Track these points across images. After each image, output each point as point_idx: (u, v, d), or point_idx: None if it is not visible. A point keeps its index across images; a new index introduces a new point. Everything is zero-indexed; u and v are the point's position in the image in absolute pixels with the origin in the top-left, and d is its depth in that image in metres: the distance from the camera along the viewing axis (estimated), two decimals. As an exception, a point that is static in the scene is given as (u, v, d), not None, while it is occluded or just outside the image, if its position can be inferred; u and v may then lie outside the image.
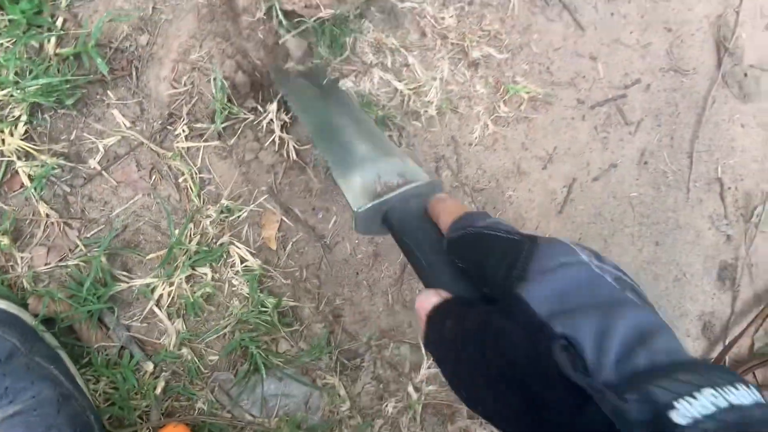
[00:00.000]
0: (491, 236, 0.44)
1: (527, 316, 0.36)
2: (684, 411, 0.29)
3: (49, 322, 0.69)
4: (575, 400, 0.32)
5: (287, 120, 0.77)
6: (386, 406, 0.81)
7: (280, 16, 0.74)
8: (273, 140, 0.76)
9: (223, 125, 0.74)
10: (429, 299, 0.45)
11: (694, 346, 0.93)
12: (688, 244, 0.93)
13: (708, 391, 0.29)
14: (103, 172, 0.73)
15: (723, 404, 0.29)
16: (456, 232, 0.47)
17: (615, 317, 0.34)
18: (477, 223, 0.46)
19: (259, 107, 0.76)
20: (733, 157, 0.95)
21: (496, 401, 0.38)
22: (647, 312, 0.36)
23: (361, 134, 0.69)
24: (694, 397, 0.29)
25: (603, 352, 0.33)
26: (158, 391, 0.72)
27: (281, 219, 0.79)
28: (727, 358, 0.89)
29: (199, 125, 0.74)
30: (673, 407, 0.29)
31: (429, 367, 0.83)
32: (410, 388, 0.82)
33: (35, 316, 0.68)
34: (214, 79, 0.72)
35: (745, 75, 0.95)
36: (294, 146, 0.78)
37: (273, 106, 0.75)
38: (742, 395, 0.30)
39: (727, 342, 0.92)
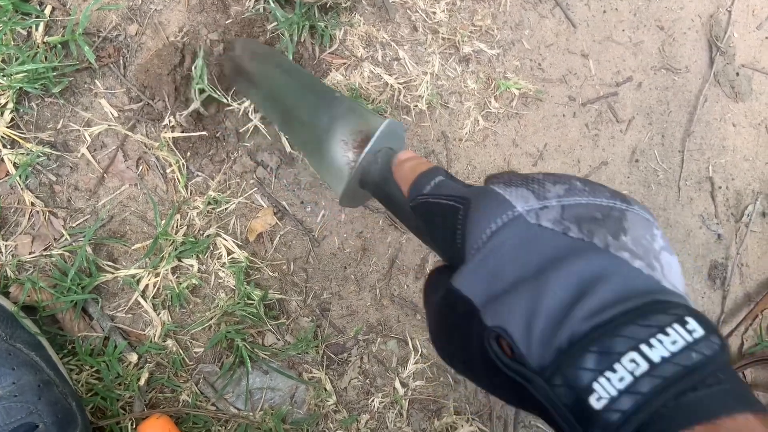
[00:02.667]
0: (434, 204, 0.42)
1: (465, 306, 0.34)
2: (600, 392, 0.27)
3: (31, 310, 0.68)
4: (518, 384, 0.31)
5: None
6: (373, 401, 0.80)
7: (271, 3, 0.74)
8: (255, 129, 0.75)
9: (202, 114, 0.73)
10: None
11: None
12: (678, 242, 0.93)
13: (627, 358, 0.27)
14: (90, 161, 0.72)
15: (642, 369, 0.27)
16: (411, 202, 0.45)
17: (546, 286, 0.31)
18: (423, 189, 0.44)
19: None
20: (725, 157, 0.95)
21: (474, 380, 0.37)
22: (590, 257, 0.31)
23: (312, 103, 0.63)
24: (614, 370, 0.27)
25: (530, 335, 0.30)
26: (142, 382, 0.71)
27: (273, 214, 0.78)
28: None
29: (185, 115, 0.74)
30: (591, 390, 0.27)
31: (416, 363, 0.82)
32: (397, 383, 0.81)
33: (15, 304, 0.67)
34: (197, 64, 0.71)
35: (737, 74, 0.95)
36: (287, 139, 0.77)
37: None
38: (671, 340, 0.27)
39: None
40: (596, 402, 0.27)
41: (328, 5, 0.77)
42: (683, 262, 0.93)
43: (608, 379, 0.27)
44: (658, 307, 0.28)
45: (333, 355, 0.80)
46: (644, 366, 0.27)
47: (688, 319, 0.28)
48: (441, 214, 0.40)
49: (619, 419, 0.26)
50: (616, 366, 0.27)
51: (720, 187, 0.95)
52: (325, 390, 0.79)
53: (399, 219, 0.53)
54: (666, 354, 0.27)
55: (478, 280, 0.34)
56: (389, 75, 0.81)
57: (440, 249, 0.42)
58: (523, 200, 0.35)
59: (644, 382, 0.26)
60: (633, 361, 0.27)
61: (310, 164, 0.64)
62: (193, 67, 0.72)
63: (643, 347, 0.27)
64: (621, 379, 0.27)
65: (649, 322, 0.28)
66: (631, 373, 0.27)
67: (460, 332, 0.35)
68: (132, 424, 0.70)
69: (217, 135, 0.77)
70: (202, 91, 0.72)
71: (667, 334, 0.27)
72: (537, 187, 0.36)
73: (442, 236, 0.40)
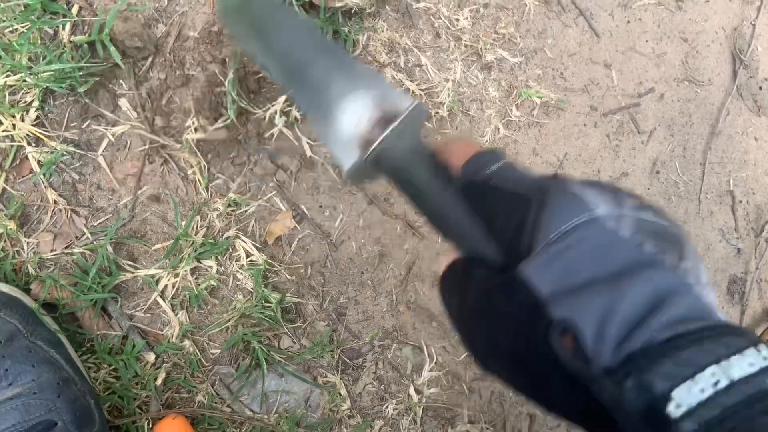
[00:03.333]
0: (498, 190, 0.40)
1: (528, 297, 0.33)
2: (680, 400, 0.27)
3: (51, 308, 0.69)
4: (578, 384, 0.30)
5: (297, 117, 0.77)
6: (387, 407, 0.80)
7: (296, 8, 0.74)
8: (280, 134, 0.76)
9: (229, 119, 0.74)
10: (444, 264, 0.42)
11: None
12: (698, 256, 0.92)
13: (709, 371, 0.27)
14: (112, 161, 0.73)
15: (723, 383, 0.26)
16: (465, 178, 0.42)
17: (623, 290, 0.31)
18: (485, 169, 0.42)
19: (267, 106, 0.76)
20: (746, 171, 0.95)
21: (507, 380, 0.37)
22: (663, 273, 0.31)
23: (327, 65, 0.56)
24: (694, 381, 0.27)
25: (603, 335, 0.30)
26: (159, 382, 0.72)
27: (291, 218, 0.79)
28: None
29: (208, 117, 0.74)
30: (669, 398, 0.27)
31: (431, 370, 0.82)
32: (411, 390, 0.81)
33: (36, 301, 0.68)
34: (227, 66, 0.72)
35: (760, 88, 0.94)
36: (308, 142, 0.77)
37: (280, 99, 0.75)
38: (748, 362, 0.27)
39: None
40: (675, 409, 0.27)
41: (352, 10, 0.77)
42: (702, 275, 0.93)
43: (688, 389, 0.27)
44: (732, 330, 0.29)
45: (348, 360, 0.80)
46: (725, 381, 0.26)
47: (761, 346, 0.28)
48: (505, 205, 0.39)
49: (698, 430, 0.26)
50: (698, 377, 0.27)
51: (741, 201, 0.94)
52: (340, 395, 0.79)
53: (418, 203, 0.48)
54: (744, 374, 0.27)
55: (550, 270, 0.33)
56: (411, 81, 0.82)
57: (492, 237, 0.40)
58: (603, 204, 0.35)
59: (725, 397, 0.26)
60: (714, 375, 0.27)
61: (314, 127, 0.59)
62: (226, 82, 0.72)
63: (724, 363, 0.27)
64: (702, 391, 0.26)
65: (727, 342, 0.28)
66: (714, 386, 0.27)
67: (516, 321, 0.34)
68: (148, 424, 0.70)
69: (239, 138, 0.77)
70: (232, 101, 0.72)
71: (744, 355, 0.27)
72: (616, 194, 0.36)
73: (501, 227, 0.39)
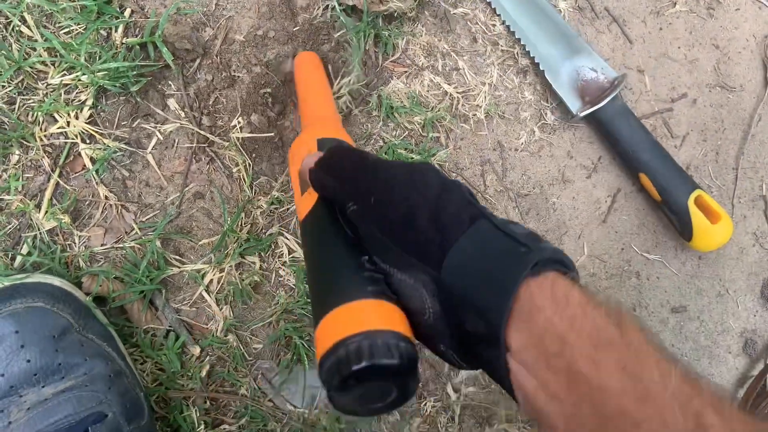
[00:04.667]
0: None
1: None
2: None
3: (100, 301, 0.71)
4: None
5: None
6: (425, 404, 0.81)
7: (338, 11, 0.76)
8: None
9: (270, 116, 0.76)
10: None
11: (735, 363, 0.92)
12: (731, 260, 0.93)
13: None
14: (161, 158, 0.75)
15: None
16: None
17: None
18: None
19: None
20: (779, 175, 0.95)
21: None
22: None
23: (554, 29, 0.85)
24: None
25: None
26: (203, 374, 0.73)
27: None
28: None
29: (254, 117, 0.76)
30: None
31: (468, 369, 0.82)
32: (449, 389, 0.82)
33: (87, 294, 0.69)
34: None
35: (793, 93, 0.95)
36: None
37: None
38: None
39: (768, 361, 0.91)
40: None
41: (393, 14, 0.79)
42: (736, 279, 0.93)
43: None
44: None
45: (386, 358, 0.81)
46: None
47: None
48: None
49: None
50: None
51: (773, 206, 0.95)
52: (379, 391, 0.79)
53: (625, 143, 0.85)
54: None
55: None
56: (448, 84, 0.83)
57: None
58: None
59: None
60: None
61: (546, 75, 0.86)
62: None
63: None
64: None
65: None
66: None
67: None
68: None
69: (281, 139, 0.79)
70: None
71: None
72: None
73: None
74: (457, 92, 0.83)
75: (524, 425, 0.83)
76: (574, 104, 0.84)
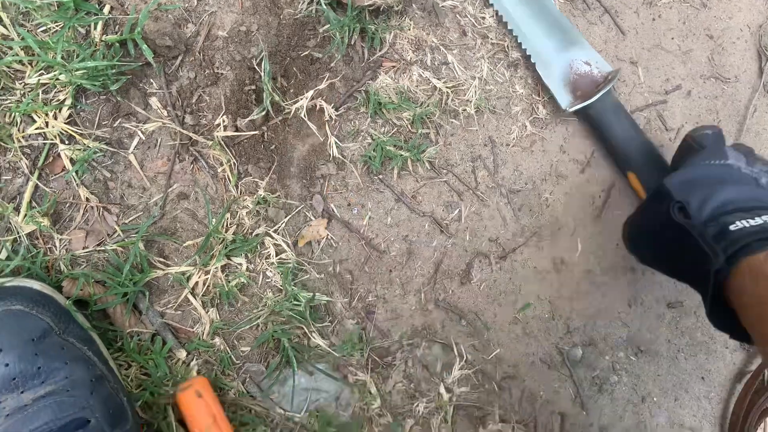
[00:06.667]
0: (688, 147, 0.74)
1: (666, 193, 0.64)
2: (738, 224, 0.57)
3: (82, 305, 0.69)
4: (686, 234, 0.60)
5: (333, 116, 0.77)
6: (417, 405, 0.79)
7: (323, 6, 0.74)
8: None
9: (264, 110, 0.74)
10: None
11: (732, 358, 0.90)
12: None
13: (761, 216, 0.57)
14: (143, 158, 0.73)
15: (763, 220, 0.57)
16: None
17: (721, 188, 0.61)
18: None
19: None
20: (775, 167, 0.94)
21: (646, 251, 0.74)
22: (756, 189, 0.63)
23: (549, 19, 0.83)
24: (748, 221, 0.57)
25: (702, 208, 0.60)
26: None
27: (325, 227, 0.79)
28: (766, 372, 0.86)
29: (239, 116, 0.75)
30: (732, 223, 0.57)
31: (461, 369, 0.81)
32: (442, 389, 0.80)
33: (68, 298, 0.68)
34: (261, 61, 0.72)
35: (788, 84, 0.94)
36: (335, 142, 0.78)
37: (309, 94, 0.75)
38: None
39: (766, 355, 0.90)
40: (733, 226, 0.57)
41: (380, 9, 0.78)
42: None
43: (745, 221, 0.57)
44: None
45: (378, 359, 0.80)
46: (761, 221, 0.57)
47: None
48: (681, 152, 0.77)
49: (740, 233, 0.56)
50: (751, 220, 0.57)
51: (770, 198, 0.94)
52: (370, 393, 0.78)
53: (609, 143, 0.84)
54: None
55: (680, 175, 0.66)
56: (438, 79, 0.82)
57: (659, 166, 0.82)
58: (735, 159, 0.66)
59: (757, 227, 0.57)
60: (764, 218, 0.57)
61: (539, 70, 0.84)
62: (262, 72, 0.73)
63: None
64: (751, 223, 0.57)
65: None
66: (761, 221, 0.57)
67: (655, 212, 0.67)
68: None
69: (265, 139, 0.78)
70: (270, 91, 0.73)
71: None
72: (749, 158, 0.67)
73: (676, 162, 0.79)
74: (447, 87, 0.81)
75: (518, 425, 0.81)
76: (564, 99, 0.82)
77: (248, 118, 0.74)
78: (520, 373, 0.84)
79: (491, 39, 0.84)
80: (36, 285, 0.65)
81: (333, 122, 0.79)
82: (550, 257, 0.85)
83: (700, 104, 0.91)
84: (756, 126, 0.93)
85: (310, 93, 0.76)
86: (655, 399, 0.88)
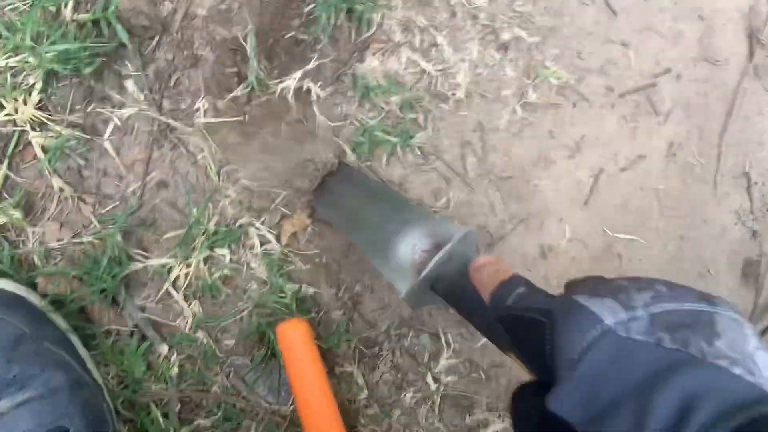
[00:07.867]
0: (518, 318, 0.43)
1: (564, 429, 0.34)
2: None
3: (57, 303, 0.66)
4: None
5: (319, 95, 0.74)
6: (404, 395, 0.79)
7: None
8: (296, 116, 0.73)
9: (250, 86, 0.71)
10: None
11: (715, 344, 0.91)
12: (713, 239, 0.91)
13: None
14: (119, 145, 0.70)
15: None
16: (494, 311, 0.47)
17: (649, 407, 0.30)
18: (505, 300, 0.46)
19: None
20: (762, 152, 0.93)
21: None
22: (688, 373, 0.31)
23: (385, 210, 0.68)
24: None
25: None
26: (173, 374, 0.69)
27: (307, 216, 0.76)
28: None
29: (219, 100, 0.71)
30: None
31: (448, 358, 0.80)
32: (429, 379, 0.79)
33: (44, 296, 0.65)
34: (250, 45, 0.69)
35: (778, 68, 0.93)
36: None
37: (297, 74, 0.72)
38: None
39: (748, 340, 0.90)
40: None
41: (368, -13, 0.74)
42: (717, 259, 0.92)
43: None
44: (764, 422, 0.28)
45: (364, 349, 0.78)
46: None
47: None
48: (526, 329, 0.41)
49: None
50: None
51: (756, 183, 0.93)
52: (357, 384, 0.77)
53: (472, 323, 0.55)
54: None
55: (575, 401, 0.34)
56: (426, 61, 0.79)
57: (528, 362, 0.43)
58: (611, 312, 0.35)
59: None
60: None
61: (375, 264, 0.68)
62: (248, 48, 0.70)
63: None
64: None
65: None
66: None
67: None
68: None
69: (246, 122, 0.74)
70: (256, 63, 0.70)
71: None
72: (623, 296, 0.36)
73: (530, 350, 0.41)
74: (436, 70, 0.79)
75: (505, 413, 0.81)
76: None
77: (230, 96, 0.70)
78: (507, 362, 0.83)
79: (481, 20, 0.81)
80: (7, 285, 0.62)
81: (320, 103, 0.76)
82: (538, 244, 0.84)
83: (690, 88, 0.90)
84: (745, 109, 0.93)
85: (299, 73, 0.73)
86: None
